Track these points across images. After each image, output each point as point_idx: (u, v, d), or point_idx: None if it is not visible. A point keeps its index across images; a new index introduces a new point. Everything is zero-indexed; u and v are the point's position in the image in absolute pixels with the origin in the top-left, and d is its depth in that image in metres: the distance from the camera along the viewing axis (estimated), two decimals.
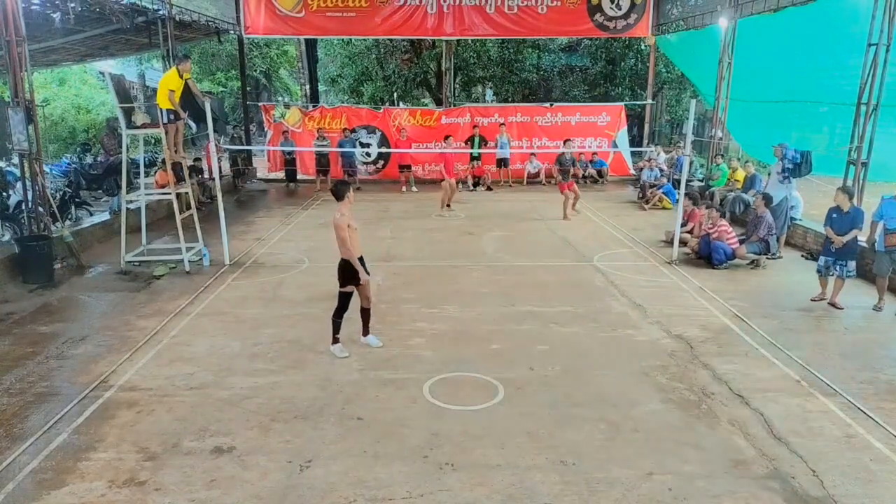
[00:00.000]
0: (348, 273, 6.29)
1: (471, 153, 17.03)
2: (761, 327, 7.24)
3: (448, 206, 14.06)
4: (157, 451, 4.73)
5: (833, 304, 7.86)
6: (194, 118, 16.56)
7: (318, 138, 17.45)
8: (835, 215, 7.89)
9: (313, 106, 19.18)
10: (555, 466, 4.56)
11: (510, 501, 4.19)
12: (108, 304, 8.09)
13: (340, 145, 17.39)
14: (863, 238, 8.30)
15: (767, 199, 9.89)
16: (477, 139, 16.76)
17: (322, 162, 17.37)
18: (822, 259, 8.05)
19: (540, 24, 18.07)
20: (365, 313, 6.66)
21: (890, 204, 7.61)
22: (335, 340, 6.47)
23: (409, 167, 17.54)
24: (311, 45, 20.81)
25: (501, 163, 17.53)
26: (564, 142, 14.73)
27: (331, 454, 4.71)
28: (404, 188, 17.03)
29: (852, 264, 7.76)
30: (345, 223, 6.15)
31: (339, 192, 6.26)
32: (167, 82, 9.26)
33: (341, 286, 6.38)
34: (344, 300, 6.41)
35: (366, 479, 4.41)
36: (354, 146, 17.81)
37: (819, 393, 5.68)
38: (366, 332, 6.72)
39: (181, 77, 9.23)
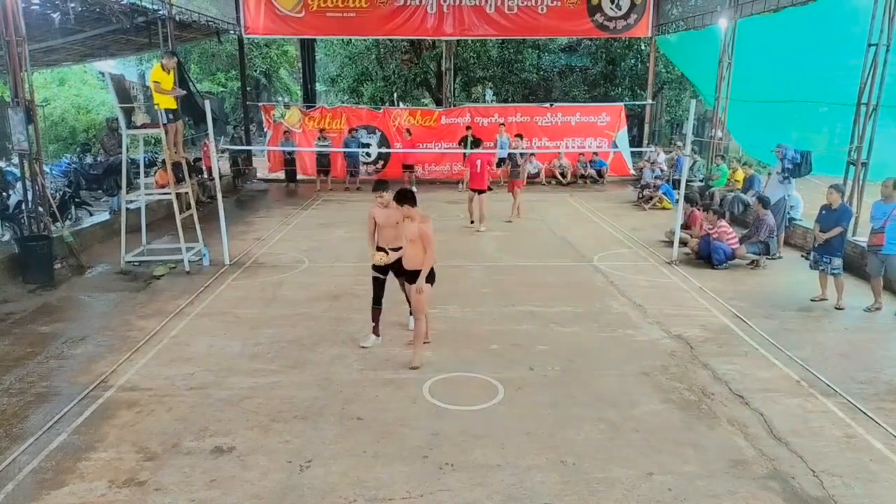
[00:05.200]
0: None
1: (463, 154, 17.03)
2: (761, 327, 7.24)
3: (479, 224, 12.26)
4: (157, 451, 4.73)
5: (837, 307, 7.87)
6: (194, 119, 16.62)
7: (319, 138, 17.46)
8: (824, 212, 8.02)
9: (308, 106, 19.19)
10: (555, 466, 4.56)
11: (510, 501, 4.19)
12: (108, 304, 8.09)
13: (346, 145, 17.42)
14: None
15: (764, 202, 9.90)
16: (469, 140, 16.76)
17: (323, 162, 17.37)
18: (811, 253, 8.25)
19: (540, 24, 18.08)
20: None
21: (876, 205, 7.73)
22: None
23: (411, 167, 17.55)
24: (308, 45, 20.81)
25: (502, 163, 17.53)
26: (517, 136, 14.51)
27: (331, 454, 4.71)
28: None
29: (837, 261, 7.81)
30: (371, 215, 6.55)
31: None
32: (154, 76, 9.28)
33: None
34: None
35: (366, 479, 4.40)
36: (359, 146, 17.84)
37: (819, 393, 5.68)
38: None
39: (166, 72, 9.25)
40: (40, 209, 9.41)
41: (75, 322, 7.44)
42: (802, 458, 4.65)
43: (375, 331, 6.75)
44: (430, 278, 6.21)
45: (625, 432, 5.02)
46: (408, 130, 17.79)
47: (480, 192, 12.19)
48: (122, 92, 9.57)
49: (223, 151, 17.18)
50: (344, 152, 17.36)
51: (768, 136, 11.89)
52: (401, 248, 6.37)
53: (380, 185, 6.62)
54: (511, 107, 19.82)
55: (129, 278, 9.14)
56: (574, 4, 17.86)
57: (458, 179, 17.80)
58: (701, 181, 15.43)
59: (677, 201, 10.73)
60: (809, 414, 5.32)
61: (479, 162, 12.26)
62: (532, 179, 18.27)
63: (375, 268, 6.57)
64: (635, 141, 20.86)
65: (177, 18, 13.52)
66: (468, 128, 17.44)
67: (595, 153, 18.51)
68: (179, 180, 10.66)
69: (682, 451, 4.75)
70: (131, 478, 4.41)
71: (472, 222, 12.48)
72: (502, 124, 17.65)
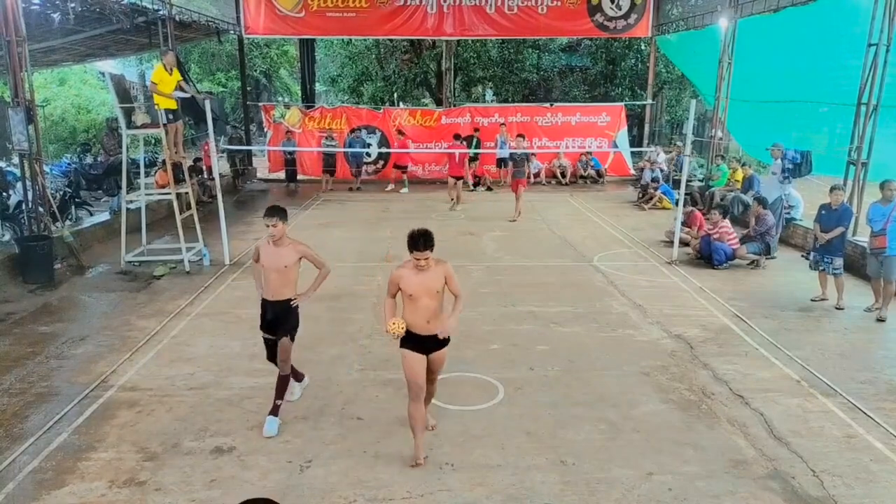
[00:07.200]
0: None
1: (474, 153, 17.02)
2: (761, 327, 7.24)
3: (455, 203, 14.37)
4: (157, 451, 4.73)
5: (837, 307, 7.87)
6: (194, 119, 16.62)
7: (327, 137, 17.44)
8: (823, 212, 8.00)
9: (307, 106, 19.19)
10: (555, 466, 4.56)
11: (510, 501, 4.19)
12: (108, 304, 8.09)
13: (350, 144, 17.40)
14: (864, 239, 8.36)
15: (762, 202, 9.91)
16: (475, 141, 16.78)
17: (330, 162, 17.36)
18: (812, 254, 8.23)
19: (540, 24, 18.06)
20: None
21: (875, 207, 7.67)
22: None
23: (404, 168, 17.48)
24: (308, 45, 20.81)
25: (501, 163, 17.53)
26: (518, 136, 14.66)
27: (331, 454, 4.71)
28: (401, 189, 17.02)
29: (838, 261, 7.81)
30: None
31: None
32: (154, 77, 9.27)
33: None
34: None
35: (366, 479, 4.41)
36: (364, 146, 17.83)
37: (819, 393, 5.69)
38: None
39: (168, 71, 9.24)
40: (40, 209, 9.41)
41: (75, 322, 7.45)
42: (802, 458, 4.65)
43: (275, 410, 5.01)
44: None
45: (625, 432, 5.02)
46: (399, 131, 17.74)
47: (458, 178, 14.55)
48: (122, 92, 9.59)
49: (223, 152, 17.16)
50: (347, 152, 17.35)
51: (768, 136, 11.88)
52: (282, 300, 4.93)
53: (271, 211, 4.82)
54: (511, 107, 19.80)
55: (130, 278, 9.14)
56: (574, 4, 17.84)
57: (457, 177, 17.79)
58: (701, 181, 15.43)
59: (677, 201, 10.73)
60: (809, 414, 5.33)
61: (457, 154, 14.71)
62: (532, 179, 18.26)
63: (264, 328, 5.08)
64: (635, 141, 20.84)
65: (177, 18, 13.52)
66: (476, 129, 17.47)
67: (589, 152, 18.48)
68: (179, 180, 10.66)
69: (682, 451, 4.76)
70: (131, 478, 4.41)
71: (451, 200, 14.47)
72: (503, 124, 17.65)
